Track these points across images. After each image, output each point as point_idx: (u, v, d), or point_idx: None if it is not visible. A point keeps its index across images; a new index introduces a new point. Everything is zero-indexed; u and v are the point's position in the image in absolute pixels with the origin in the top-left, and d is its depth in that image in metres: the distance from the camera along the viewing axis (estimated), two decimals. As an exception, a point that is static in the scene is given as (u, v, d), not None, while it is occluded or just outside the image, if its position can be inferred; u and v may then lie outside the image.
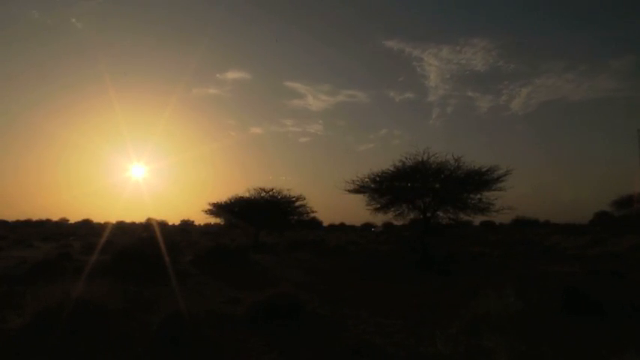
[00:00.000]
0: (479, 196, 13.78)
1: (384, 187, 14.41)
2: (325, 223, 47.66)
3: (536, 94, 70.77)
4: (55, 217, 68.43)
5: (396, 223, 19.81)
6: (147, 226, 32.69)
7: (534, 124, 73.32)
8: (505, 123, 74.68)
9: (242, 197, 19.70)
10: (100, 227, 53.44)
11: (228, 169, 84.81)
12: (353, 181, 14.78)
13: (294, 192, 20.05)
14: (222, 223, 24.81)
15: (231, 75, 78.50)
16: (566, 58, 68.48)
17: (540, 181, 62.67)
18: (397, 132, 78.53)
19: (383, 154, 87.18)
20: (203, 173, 77.42)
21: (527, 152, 70.42)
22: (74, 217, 69.88)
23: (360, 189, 14.91)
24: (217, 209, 20.15)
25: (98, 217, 64.71)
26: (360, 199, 15.43)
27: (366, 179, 14.56)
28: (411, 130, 79.12)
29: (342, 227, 50.99)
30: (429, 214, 14.21)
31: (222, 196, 20.22)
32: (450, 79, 74.47)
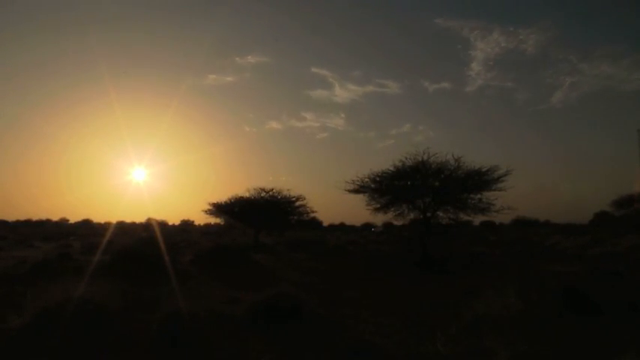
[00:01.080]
0: (479, 196, 13.79)
1: (384, 187, 14.42)
2: (325, 223, 47.69)
3: (582, 85, 64.23)
4: (55, 217, 68.49)
5: (396, 223, 19.82)
6: (147, 226, 32.71)
7: (577, 117, 67.28)
8: (543, 116, 68.63)
9: (242, 197, 19.71)
10: (100, 227, 53.47)
11: (241, 168, 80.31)
12: (353, 181, 14.80)
13: (295, 192, 20.07)
14: (222, 223, 24.79)
15: (253, 59, 70.30)
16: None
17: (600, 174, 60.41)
18: (421, 127, 73.29)
19: (400, 152, 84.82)
20: (212, 174, 74.91)
21: (566, 145, 66.75)
22: (74, 217, 69.93)
23: (360, 189, 14.92)
24: (217, 209, 20.15)
25: (98, 217, 64.70)
26: (360, 199, 15.45)
27: (366, 179, 14.58)
28: (438, 124, 74.39)
29: (342, 227, 50.99)
30: (429, 214, 14.22)
31: (230, 196, 20.11)
32: (494, 66, 68.07)
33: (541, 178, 63.31)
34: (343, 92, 73.21)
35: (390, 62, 78.45)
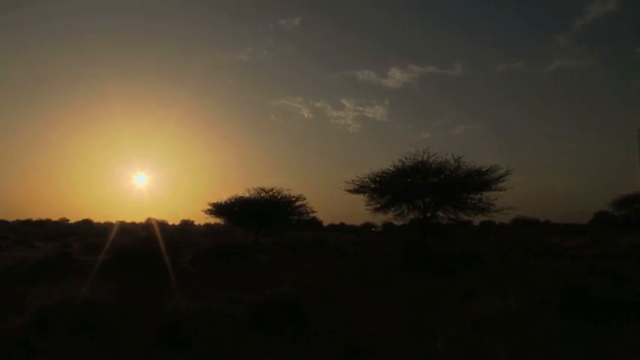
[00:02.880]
0: (479, 196, 13.78)
1: (384, 187, 14.41)
2: (325, 223, 47.68)
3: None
4: (55, 217, 68.51)
5: (396, 223, 19.83)
6: (147, 226, 32.71)
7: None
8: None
9: (242, 197, 19.70)
10: (100, 227, 53.48)
11: (262, 165, 74.28)
12: (353, 181, 14.80)
13: (295, 192, 20.07)
14: (222, 223, 24.78)
15: (294, 22, 58.25)
16: None
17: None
18: (470, 118, 64.30)
19: (437, 146, 71.32)
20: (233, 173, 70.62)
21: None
22: (74, 217, 69.96)
23: (360, 189, 14.91)
24: (217, 209, 20.14)
25: (98, 217, 64.73)
26: (360, 199, 15.45)
27: (366, 179, 14.57)
28: (490, 113, 64.11)
29: (342, 227, 50.98)
30: (428, 214, 14.21)
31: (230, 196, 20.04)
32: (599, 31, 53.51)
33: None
34: (398, 72, 62.32)
35: (462, 39, 63.44)
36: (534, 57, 64.75)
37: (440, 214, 14.53)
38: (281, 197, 19.74)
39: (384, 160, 69.94)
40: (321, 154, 76.79)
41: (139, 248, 10.57)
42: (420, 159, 13.50)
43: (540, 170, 61.18)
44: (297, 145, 78.87)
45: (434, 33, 68.62)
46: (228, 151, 70.91)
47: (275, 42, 67.33)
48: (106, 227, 53.15)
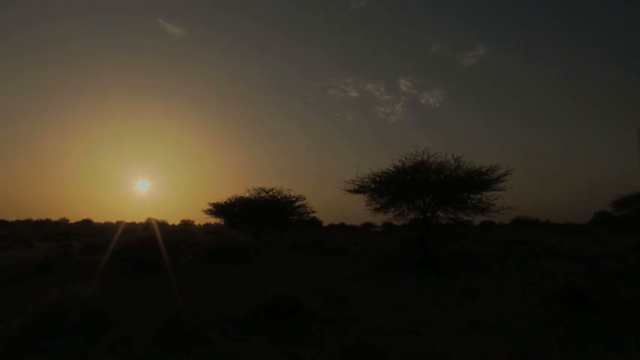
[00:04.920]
0: (479, 196, 13.76)
1: (384, 187, 14.40)
2: (325, 223, 47.71)
3: None
4: (55, 217, 68.54)
5: (396, 223, 19.80)
6: (147, 226, 32.71)
7: None
8: None
9: (242, 197, 19.69)
10: (100, 227, 53.49)
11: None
12: (353, 181, 14.78)
13: (295, 192, 20.07)
14: (222, 223, 24.76)
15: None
16: None
17: None
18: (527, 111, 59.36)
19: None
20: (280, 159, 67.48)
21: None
22: (74, 217, 70.01)
23: (360, 189, 14.90)
24: (217, 209, 20.13)
25: (98, 217, 64.78)
26: (360, 199, 15.43)
27: (366, 179, 14.56)
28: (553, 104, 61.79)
29: (342, 227, 51.01)
30: (428, 214, 14.20)
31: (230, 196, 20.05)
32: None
33: None
34: (482, 45, 53.48)
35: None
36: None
37: (440, 214, 14.51)
38: (281, 197, 19.73)
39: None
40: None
41: (140, 249, 10.57)
42: (419, 159, 13.49)
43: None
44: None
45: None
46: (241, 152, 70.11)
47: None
48: (106, 227, 53.20)
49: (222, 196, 28.42)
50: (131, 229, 35.17)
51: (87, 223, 65.09)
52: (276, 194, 19.69)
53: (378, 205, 15.16)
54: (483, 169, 13.21)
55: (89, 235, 28.49)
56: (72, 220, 69.11)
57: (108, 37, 79.72)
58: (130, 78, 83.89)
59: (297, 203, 19.96)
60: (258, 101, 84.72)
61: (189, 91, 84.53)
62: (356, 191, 15.02)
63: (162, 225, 43.70)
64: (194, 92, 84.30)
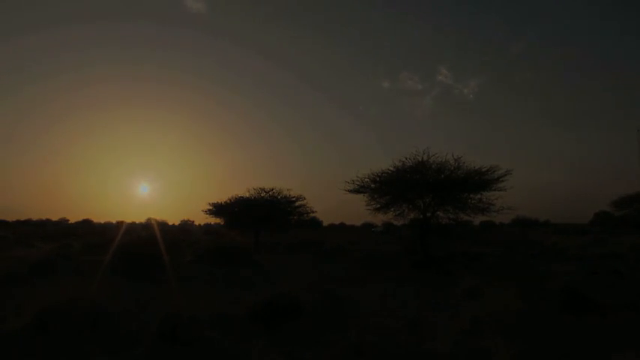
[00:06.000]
0: (479, 196, 13.77)
1: (384, 187, 14.40)
2: (325, 223, 47.69)
3: None
4: (55, 217, 68.54)
5: (396, 223, 19.79)
6: (147, 226, 32.71)
7: None
8: None
9: (242, 197, 19.69)
10: (101, 227, 53.49)
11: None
12: (353, 181, 14.78)
13: (295, 192, 20.07)
14: (222, 223, 24.75)
15: None
16: None
17: None
18: None
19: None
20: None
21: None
22: (74, 217, 70.00)
23: (360, 189, 14.90)
24: (217, 209, 20.13)
25: (98, 217, 64.80)
26: (361, 199, 15.43)
27: (366, 179, 14.56)
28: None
29: (342, 227, 50.99)
30: (428, 214, 14.20)
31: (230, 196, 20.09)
32: None
33: None
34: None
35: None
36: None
37: (440, 214, 14.51)
38: (281, 197, 19.73)
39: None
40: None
41: (140, 248, 10.57)
42: (420, 159, 13.50)
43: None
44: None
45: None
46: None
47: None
48: (106, 227, 53.20)
49: (223, 195, 28.46)
50: (131, 228, 35.17)
51: (87, 223, 65.09)
52: (276, 194, 19.70)
53: (378, 205, 15.17)
54: (483, 169, 13.22)
55: (89, 235, 28.49)
56: (72, 220, 69.16)
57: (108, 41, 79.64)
58: (130, 77, 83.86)
59: (297, 203, 19.97)
60: (272, 95, 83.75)
61: (190, 88, 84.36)
62: (356, 191, 15.03)
63: (163, 225, 43.67)
64: (197, 88, 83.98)
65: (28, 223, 59.75)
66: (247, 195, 19.77)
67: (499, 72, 66.77)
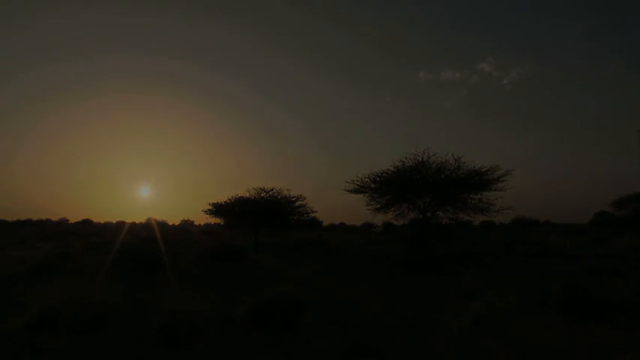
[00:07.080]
0: (479, 196, 13.78)
1: (384, 187, 14.41)
2: (325, 223, 47.68)
3: None
4: (55, 217, 68.58)
5: (396, 223, 19.81)
6: (147, 226, 32.72)
7: None
8: None
9: (242, 197, 19.69)
10: (101, 227, 53.50)
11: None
12: (353, 181, 14.80)
13: (295, 192, 20.08)
14: (222, 223, 24.76)
15: None
16: None
17: None
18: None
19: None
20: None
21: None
22: (74, 217, 70.04)
23: (360, 189, 14.92)
24: (217, 209, 20.13)
25: (98, 217, 64.84)
26: (361, 199, 15.44)
27: (366, 179, 14.58)
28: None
29: (342, 227, 50.99)
30: (428, 214, 14.21)
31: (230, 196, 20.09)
32: None
33: None
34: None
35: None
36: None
37: (440, 214, 14.53)
38: (281, 197, 19.74)
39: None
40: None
41: (140, 248, 10.58)
42: (420, 159, 13.51)
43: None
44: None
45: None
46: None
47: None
48: (106, 227, 53.23)
49: (223, 195, 28.47)
50: (131, 228, 35.20)
51: (87, 223, 65.14)
52: (276, 194, 19.71)
53: (378, 205, 15.19)
54: (483, 169, 13.24)
55: (89, 235, 28.49)
56: (72, 220, 69.22)
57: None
58: (130, 77, 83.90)
59: (297, 203, 19.98)
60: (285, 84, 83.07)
61: (191, 88, 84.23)
62: (356, 191, 15.05)
63: (163, 225, 43.70)
64: (198, 87, 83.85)
65: (28, 223, 59.76)
66: (247, 195, 19.79)
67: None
